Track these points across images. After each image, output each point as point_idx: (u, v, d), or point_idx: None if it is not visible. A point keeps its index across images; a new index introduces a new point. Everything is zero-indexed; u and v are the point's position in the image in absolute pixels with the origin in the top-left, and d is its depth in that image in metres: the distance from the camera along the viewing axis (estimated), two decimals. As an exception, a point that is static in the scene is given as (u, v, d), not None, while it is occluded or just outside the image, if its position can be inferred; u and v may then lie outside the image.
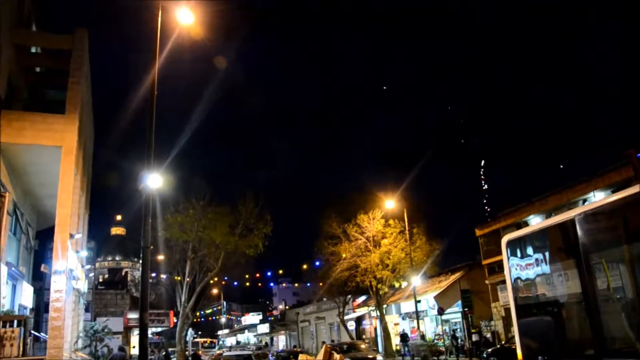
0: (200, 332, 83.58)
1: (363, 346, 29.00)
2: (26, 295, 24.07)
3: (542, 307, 8.69)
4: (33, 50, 24.09)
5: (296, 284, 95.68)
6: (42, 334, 21.46)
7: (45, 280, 29.63)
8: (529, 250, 9.06)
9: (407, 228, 34.64)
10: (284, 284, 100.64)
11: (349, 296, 44.83)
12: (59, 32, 22.95)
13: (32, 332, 17.93)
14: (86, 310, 37.19)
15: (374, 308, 42.16)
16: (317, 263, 43.91)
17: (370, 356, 26.07)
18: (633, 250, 7.20)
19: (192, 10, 12.60)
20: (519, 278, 9.25)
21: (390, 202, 34.35)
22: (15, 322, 15.77)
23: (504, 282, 29.96)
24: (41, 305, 34.24)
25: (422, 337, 36.67)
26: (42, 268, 24.47)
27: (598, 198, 27.59)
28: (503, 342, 28.54)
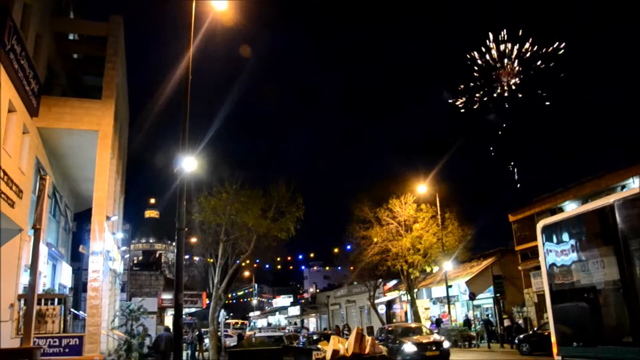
0: (232, 314, 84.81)
1: (423, 329, 26.25)
2: (65, 275, 24.82)
3: (578, 293, 8.59)
4: (71, 37, 24.56)
5: (327, 268, 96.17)
6: (81, 312, 22.10)
7: (83, 261, 30.43)
8: (565, 236, 8.94)
9: (439, 213, 34.41)
10: (315, 267, 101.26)
11: (380, 280, 44.85)
12: (96, 19, 23.34)
13: (72, 310, 18.49)
14: (122, 290, 38.11)
15: (404, 292, 42.15)
16: (349, 247, 43.99)
17: (439, 339, 23.34)
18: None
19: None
20: (554, 264, 9.15)
21: (422, 187, 34.13)
22: (56, 300, 16.30)
23: (537, 268, 29.58)
24: (79, 284, 35.23)
25: (467, 321, 36.19)
26: (80, 249, 25.13)
27: (638, 184, 26.94)
28: (535, 329, 28.28)
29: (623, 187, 28.32)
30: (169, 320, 45.85)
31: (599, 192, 28.60)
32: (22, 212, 16.04)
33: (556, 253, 9.08)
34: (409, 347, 21.97)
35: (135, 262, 76.60)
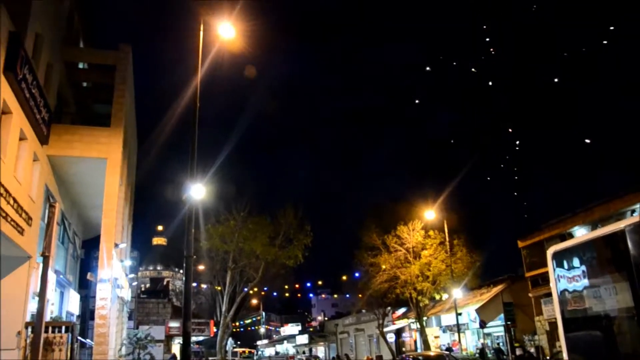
0: (239, 342, 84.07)
1: (454, 358, 25.62)
2: (73, 303, 24.73)
3: (592, 321, 8.43)
4: (80, 65, 24.94)
5: (335, 295, 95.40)
6: (88, 340, 21.99)
7: (91, 288, 30.38)
8: (576, 262, 8.82)
9: (447, 239, 34.19)
10: (323, 295, 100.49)
11: (389, 308, 44.42)
12: (105, 47, 23.73)
13: (79, 338, 18.40)
14: (129, 318, 37.94)
15: (413, 320, 41.67)
16: (357, 274, 43.71)
17: None
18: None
19: (233, 24, 12.82)
20: (566, 290, 9.01)
21: (430, 213, 33.97)
22: (63, 328, 16.21)
23: (548, 295, 29.20)
24: (87, 312, 35.08)
25: (482, 351, 35.16)
26: (88, 276, 25.10)
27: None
28: (548, 358, 27.78)
29: (633, 211, 28.07)
30: (176, 349, 45.53)
31: (607, 217, 28.36)
32: (31, 239, 16.08)
33: (567, 279, 8.95)
34: None
35: (142, 289, 76.36)
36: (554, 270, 9.21)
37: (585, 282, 8.55)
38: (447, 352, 28.18)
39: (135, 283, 44.97)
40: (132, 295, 39.42)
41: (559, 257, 9.18)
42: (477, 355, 33.81)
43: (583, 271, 8.63)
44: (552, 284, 9.31)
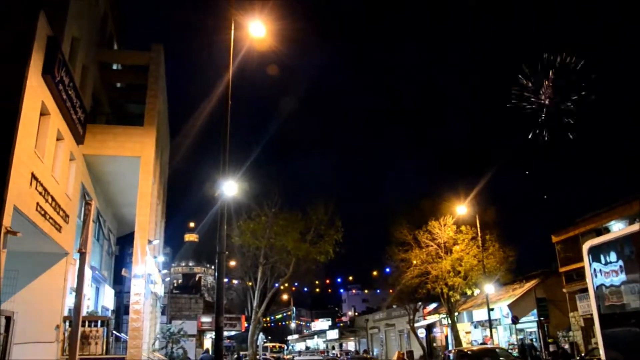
0: (270, 337, 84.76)
1: (505, 352, 24.39)
2: (108, 298, 25.30)
3: (630, 317, 8.29)
4: (114, 66, 25.41)
5: (366, 291, 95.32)
6: (123, 334, 22.47)
7: (125, 284, 31.02)
8: (613, 257, 8.69)
9: (479, 234, 33.83)
10: (353, 291, 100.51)
11: (419, 303, 44.19)
12: (137, 47, 24.15)
13: (114, 332, 18.83)
14: (162, 313, 38.58)
15: (445, 316, 41.40)
16: (387, 269, 43.60)
17: None
18: None
19: (264, 23, 12.90)
20: (602, 285, 8.89)
21: (461, 208, 33.62)
22: (99, 322, 16.62)
23: (583, 290, 28.71)
24: (121, 307, 35.85)
25: (522, 347, 34.45)
26: (123, 272, 25.62)
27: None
28: (583, 354, 27.32)
29: (673, 205, 27.36)
30: (208, 343, 46.09)
31: (645, 212, 27.68)
32: (68, 236, 16.51)
33: (604, 274, 8.82)
34: None
35: (175, 285, 77.51)
36: (590, 265, 9.09)
37: (623, 277, 8.41)
38: (499, 347, 27.25)
39: (168, 279, 45.72)
40: (165, 291, 40.06)
41: (596, 252, 9.06)
42: (530, 350, 33.27)
43: (621, 266, 8.49)
44: (588, 279, 9.20)
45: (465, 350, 24.87)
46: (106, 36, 24.14)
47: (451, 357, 24.14)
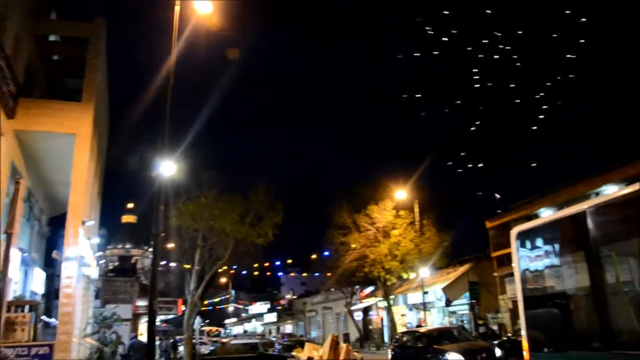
0: (207, 321, 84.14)
1: (463, 333, 22.27)
2: (38, 281, 24.37)
3: (550, 299, 8.76)
4: (52, 38, 24.28)
5: (305, 274, 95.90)
6: (53, 319, 21.80)
7: (57, 267, 29.94)
8: (539, 242, 9.12)
9: (417, 219, 34.69)
10: (292, 274, 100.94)
11: (357, 287, 44.99)
12: (79, 20, 23.18)
13: (43, 317, 18.19)
14: (96, 297, 37.60)
15: (381, 299, 42.36)
16: (326, 253, 44.09)
17: (485, 344, 19.78)
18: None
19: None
20: (527, 269, 9.33)
21: (401, 193, 34.36)
22: (27, 307, 16.01)
23: (512, 274, 29.95)
24: (52, 291, 34.60)
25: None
26: (54, 254, 24.74)
27: (611, 192, 27.50)
28: (510, 335, 28.63)
29: (597, 194, 28.89)
30: (143, 328, 45.34)
31: (573, 199, 29.11)
32: (-5, 216, 15.79)
33: (530, 259, 9.26)
34: (453, 357, 17.34)
35: (110, 268, 75.65)
36: (518, 250, 9.50)
37: (547, 261, 8.86)
38: (460, 326, 26.97)
39: (103, 261, 44.56)
40: (100, 274, 39.02)
41: (523, 237, 9.47)
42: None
43: (545, 251, 8.93)
44: (514, 264, 9.62)
45: (422, 331, 22.82)
46: (43, 6, 23.01)
47: (404, 339, 22.22)
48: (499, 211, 39.14)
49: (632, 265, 7.53)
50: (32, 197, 23.12)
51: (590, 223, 7.62)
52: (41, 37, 21.93)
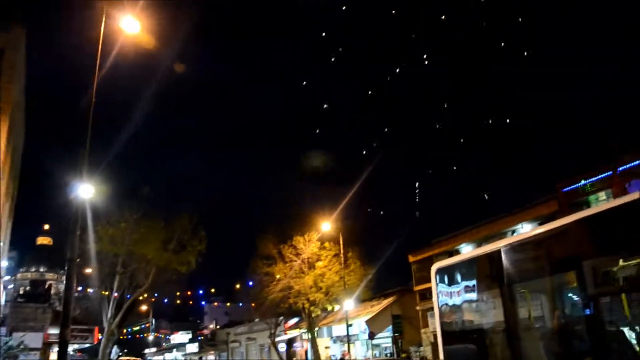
0: (126, 350, 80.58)
1: None
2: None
3: (467, 335, 8.91)
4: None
5: (228, 304, 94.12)
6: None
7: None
8: (457, 279, 9.30)
9: (342, 251, 34.83)
10: (215, 303, 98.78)
11: (281, 318, 44.49)
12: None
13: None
14: (1, 324, 35.27)
15: (305, 330, 42.01)
16: (251, 283, 43.47)
17: None
18: (554, 282, 7.53)
19: (139, 17, 12.39)
20: (446, 304, 9.47)
21: (326, 225, 34.44)
22: None
23: (433, 308, 30.55)
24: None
25: None
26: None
27: (526, 229, 28.74)
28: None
29: (513, 231, 30.12)
30: (54, 357, 42.80)
31: (492, 236, 30.21)
32: None
33: (448, 295, 9.42)
34: None
35: (21, 292, 71.31)
36: (437, 285, 9.64)
37: (464, 297, 9.03)
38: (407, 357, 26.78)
39: (11, 286, 41.94)
40: (7, 299, 36.69)
41: (441, 273, 9.64)
42: None
43: (463, 287, 9.11)
44: (434, 299, 9.75)
45: None
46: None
47: None
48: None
49: (543, 302, 7.79)
50: None
51: (505, 261, 7.84)
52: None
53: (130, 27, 12.28)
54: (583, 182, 26.97)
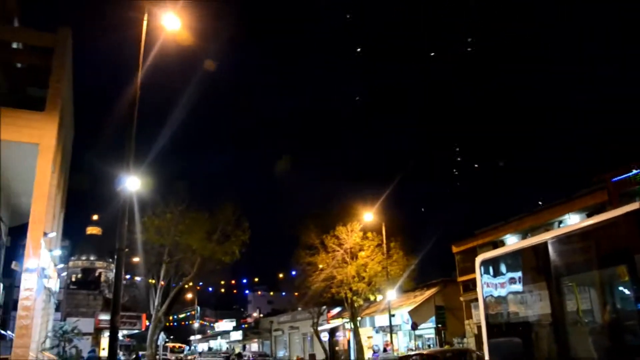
0: (172, 337, 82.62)
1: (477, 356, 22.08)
2: (-5, 292, 23.65)
3: (513, 327, 8.79)
4: (14, 45, 23.80)
5: (272, 293, 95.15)
6: (9, 332, 21.10)
7: (16, 278, 29.10)
8: (502, 271, 9.16)
9: (384, 241, 34.71)
10: (259, 292, 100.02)
11: (324, 307, 44.72)
12: (42, 28, 22.75)
13: (-2, 330, 17.62)
14: (56, 309, 36.60)
15: (348, 320, 42.11)
16: (294, 272, 43.79)
17: None
18: (604, 275, 7.33)
19: (179, 14, 12.56)
20: (491, 296, 9.35)
21: (368, 215, 34.37)
22: (-18, 319, 15.47)
23: (477, 299, 30.20)
24: (9, 302, 33.61)
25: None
26: (13, 265, 24.03)
27: (573, 220, 28.02)
28: None
29: (560, 222, 29.40)
30: (106, 342, 44.25)
31: (537, 227, 29.59)
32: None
33: (493, 286, 9.29)
34: None
35: (73, 279, 73.85)
36: (481, 276, 9.53)
37: (509, 289, 8.89)
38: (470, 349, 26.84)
39: (65, 273, 43.41)
40: (61, 286, 38.03)
41: (486, 265, 9.52)
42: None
43: (509, 279, 8.97)
44: (478, 290, 9.64)
45: (432, 353, 23.07)
46: (5, 12, 22.57)
47: None
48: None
49: (592, 295, 7.60)
50: (-8, 207, 22.48)
51: (551, 253, 7.67)
52: (3, 44, 21.47)
53: (171, 24, 12.46)
54: (635, 171, 26.01)
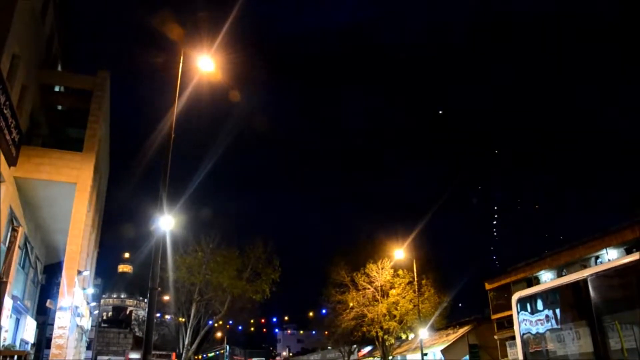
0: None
1: None
2: (29, 330, 23.89)
3: (552, 365, 8.56)
4: (56, 89, 24.69)
5: (301, 331, 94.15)
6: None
7: (50, 315, 29.48)
8: (540, 307, 8.99)
9: (416, 279, 34.22)
10: (289, 331, 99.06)
11: (354, 346, 44.03)
12: (82, 72, 23.62)
13: (33, 368, 17.75)
14: (88, 347, 36.81)
15: (379, 359, 41.36)
16: (324, 311, 43.41)
17: None
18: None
19: (213, 57, 12.89)
20: (528, 333, 9.17)
21: (399, 252, 33.96)
22: (16, 357, 15.62)
23: (513, 337, 29.37)
24: (43, 340, 33.96)
25: None
26: (48, 304, 24.38)
27: (611, 255, 27.27)
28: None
29: (597, 257, 28.64)
30: (135, 381, 44.18)
31: (573, 263, 28.88)
32: (-10, 263, 15.61)
33: (531, 323, 9.11)
34: None
35: (104, 317, 74.32)
36: (518, 314, 9.36)
37: (548, 326, 8.70)
38: None
39: (96, 311, 43.82)
40: (93, 324, 38.34)
41: (523, 302, 9.35)
42: None
43: (546, 316, 8.78)
44: (515, 328, 9.46)
45: None
46: (50, 57, 23.52)
47: None
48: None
49: (636, 333, 7.36)
50: (29, 244, 22.95)
51: (591, 290, 7.51)
52: (46, 87, 22.30)
53: (206, 66, 12.80)
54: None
